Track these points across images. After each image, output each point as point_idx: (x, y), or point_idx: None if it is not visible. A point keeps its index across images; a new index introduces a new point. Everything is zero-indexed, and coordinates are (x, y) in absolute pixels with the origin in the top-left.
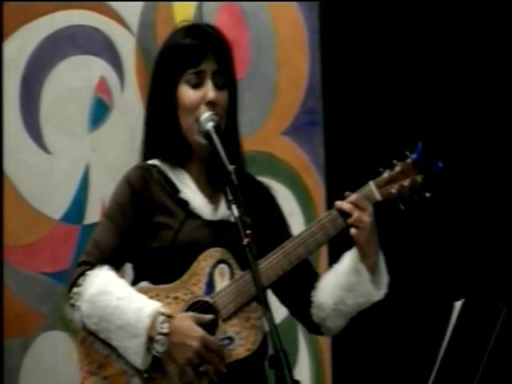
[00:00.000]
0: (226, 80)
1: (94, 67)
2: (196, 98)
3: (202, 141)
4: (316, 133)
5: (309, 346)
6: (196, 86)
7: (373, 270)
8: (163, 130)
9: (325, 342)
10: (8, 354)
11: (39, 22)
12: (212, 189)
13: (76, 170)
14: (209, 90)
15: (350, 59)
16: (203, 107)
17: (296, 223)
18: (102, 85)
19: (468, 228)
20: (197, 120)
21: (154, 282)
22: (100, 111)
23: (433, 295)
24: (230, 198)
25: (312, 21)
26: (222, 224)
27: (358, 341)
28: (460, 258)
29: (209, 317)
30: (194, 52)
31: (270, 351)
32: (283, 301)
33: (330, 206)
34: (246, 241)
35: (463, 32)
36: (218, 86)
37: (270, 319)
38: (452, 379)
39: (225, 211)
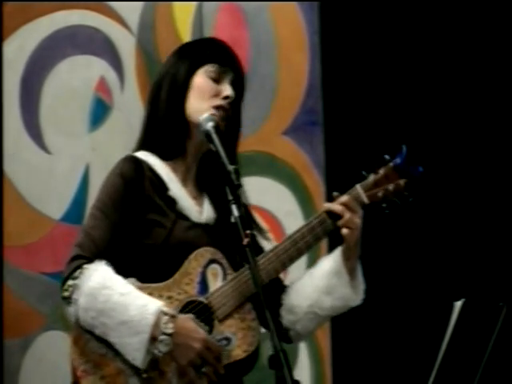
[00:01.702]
0: (236, 97)
1: (94, 67)
2: (215, 88)
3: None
4: (316, 133)
5: (309, 346)
6: (215, 80)
7: (352, 273)
8: (166, 113)
9: (325, 342)
10: (8, 354)
11: (39, 22)
12: (197, 190)
13: (76, 170)
14: (227, 87)
15: (350, 59)
16: (212, 110)
17: (296, 223)
18: (102, 85)
19: (468, 228)
20: (209, 108)
21: (142, 278)
22: (100, 111)
23: (433, 295)
24: (230, 198)
25: (312, 21)
26: (208, 227)
27: (357, 341)
28: (460, 257)
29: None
30: (222, 51)
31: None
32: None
33: None
34: (246, 241)
35: (462, 31)
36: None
37: (270, 319)
38: (452, 379)
39: (208, 214)
